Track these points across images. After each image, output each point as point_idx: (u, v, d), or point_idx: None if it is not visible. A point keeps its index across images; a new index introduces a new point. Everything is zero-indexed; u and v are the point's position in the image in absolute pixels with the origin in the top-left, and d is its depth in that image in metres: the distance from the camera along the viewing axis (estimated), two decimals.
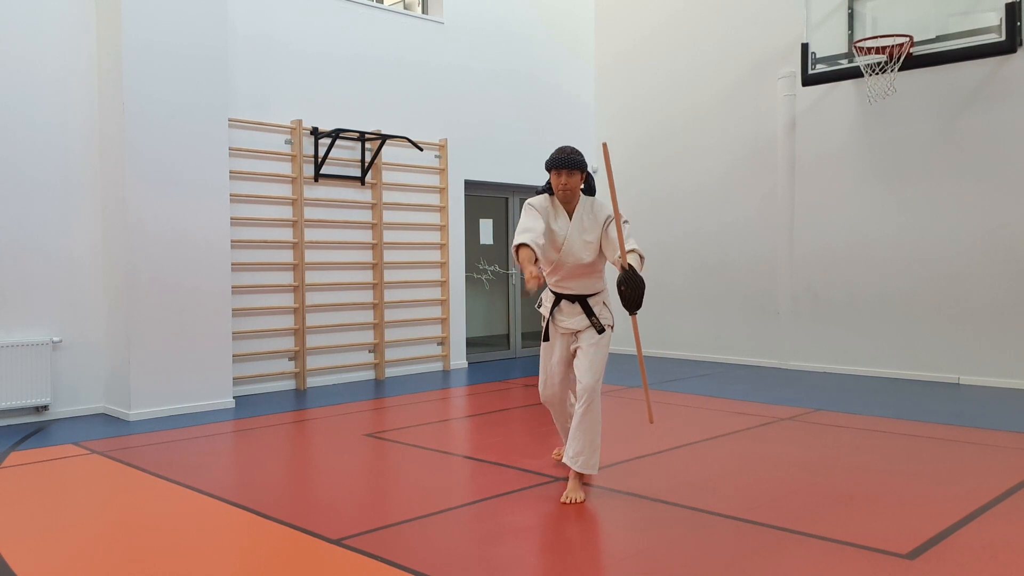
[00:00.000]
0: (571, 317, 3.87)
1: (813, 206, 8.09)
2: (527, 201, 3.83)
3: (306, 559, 3.05)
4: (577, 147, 3.93)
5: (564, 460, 3.85)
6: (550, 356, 3.99)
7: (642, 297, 3.49)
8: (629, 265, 3.47)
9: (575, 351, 3.90)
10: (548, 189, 3.87)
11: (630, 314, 3.60)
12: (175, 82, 6.01)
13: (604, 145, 3.64)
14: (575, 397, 3.93)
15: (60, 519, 3.58)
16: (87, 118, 6.07)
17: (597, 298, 3.88)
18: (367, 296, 7.79)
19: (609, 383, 7.23)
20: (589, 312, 3.83)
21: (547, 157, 3.84)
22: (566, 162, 3.75)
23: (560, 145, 3.92)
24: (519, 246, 3.56)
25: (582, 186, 3.83)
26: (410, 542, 3.22)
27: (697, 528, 3.36)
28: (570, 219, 3.79)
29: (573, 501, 3.70)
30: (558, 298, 3.92)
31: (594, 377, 3.75)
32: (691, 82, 9.14)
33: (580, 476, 3.83)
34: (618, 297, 3.58)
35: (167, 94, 5.97)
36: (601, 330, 3.81)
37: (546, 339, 3.99)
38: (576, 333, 3.87)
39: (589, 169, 3.84)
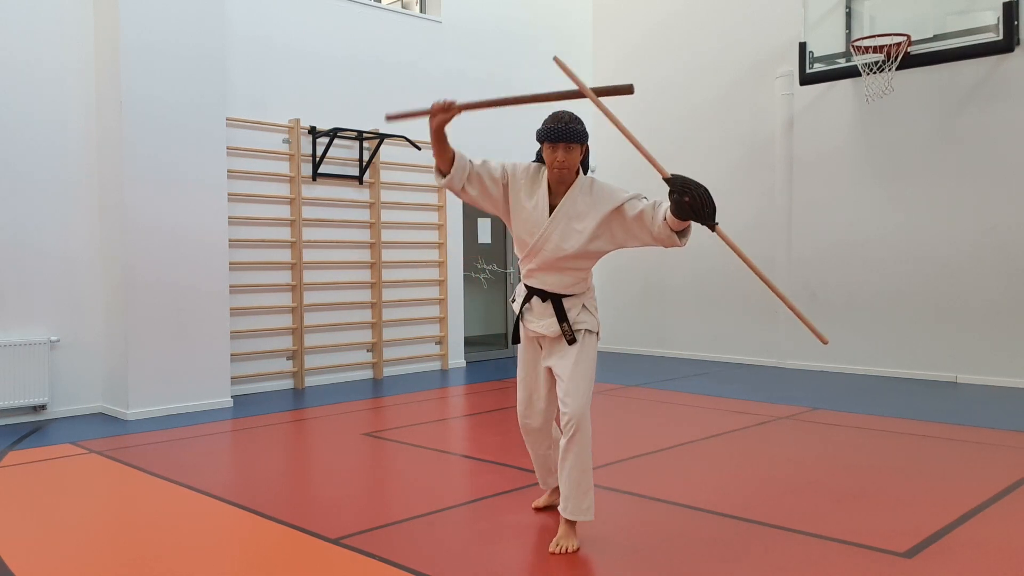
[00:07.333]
0: (541, 319, 3.14)
1: (811, 205, 8.10)
2: (510, 162, 3.22)
3: (304, 558, 3.05)
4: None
5: (559, 507, 3.16)
6: (528, 370, 3.27)
7: (710, 198, 2.73)
8: (672, 175, 2.78)
9: (548, 368, 3.20)
10: (541, 159, 3.19)
11: (711, 228, 2.79)
12: (173, 81, 6.00)
13: (556, 59, 3.13)
14: (559, 425, 3.21)
15: (58, 519, 3.58)
16: (85, 117, 6.06)
17: (575, 300, 3.13)
18: (365, 295, 7.78)
19: (608, 382, 7.23)
20: (562, 316, 3.09)
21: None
22: (564, 134, 3.07)
23: None
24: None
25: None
26: (409, 541, 3.22)
27: (695, 527, 3.36)
28: (560, 199, 3.11)
29: (565, 550, 3.05)
30: (530, 293, 3.19)
31: (579, 402, 3.02)
32: (689, 82, 9.14)
33: (572, 522, 3.12)
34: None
35: (165, 93, 5.96)
36: (572, 340, 3.08)
37: (515, 341, 3.30)
38: (546, 339, 3.16)
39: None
